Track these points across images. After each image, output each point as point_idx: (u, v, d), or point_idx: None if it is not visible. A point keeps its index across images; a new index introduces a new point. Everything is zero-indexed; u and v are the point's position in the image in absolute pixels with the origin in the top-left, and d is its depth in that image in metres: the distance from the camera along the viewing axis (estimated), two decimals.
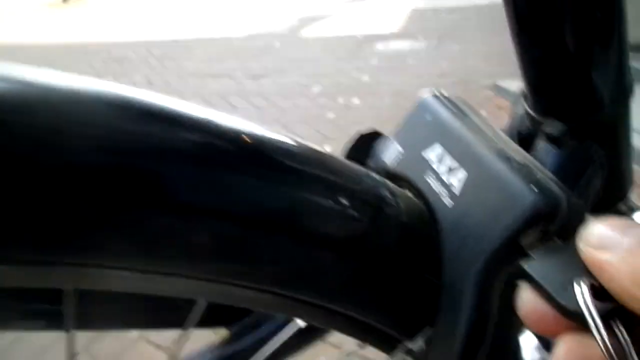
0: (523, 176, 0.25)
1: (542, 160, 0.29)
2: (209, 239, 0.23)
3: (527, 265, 0.23)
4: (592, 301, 0.19)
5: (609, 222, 0.20)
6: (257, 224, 0.24)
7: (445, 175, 0.28)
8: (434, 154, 0.30)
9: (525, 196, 0.24)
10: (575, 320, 0.20)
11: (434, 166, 0.29)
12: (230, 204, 0.23)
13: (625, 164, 0.31)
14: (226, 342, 0.47)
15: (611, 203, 0.31)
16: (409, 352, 0.30)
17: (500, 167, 0.26)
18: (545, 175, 0.26)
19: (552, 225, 0.24)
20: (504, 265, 0.25)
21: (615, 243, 0.19)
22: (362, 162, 0.35)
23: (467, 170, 0.27)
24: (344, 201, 0.27)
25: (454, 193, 0.28)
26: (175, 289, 0.26)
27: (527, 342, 0.71)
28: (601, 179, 0.29)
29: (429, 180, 0.29)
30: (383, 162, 0.34)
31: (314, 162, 0.27)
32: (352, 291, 0.28)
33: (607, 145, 0.29)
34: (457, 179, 0.28)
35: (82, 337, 1.37)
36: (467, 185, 0.27)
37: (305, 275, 0.26)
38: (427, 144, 0.31)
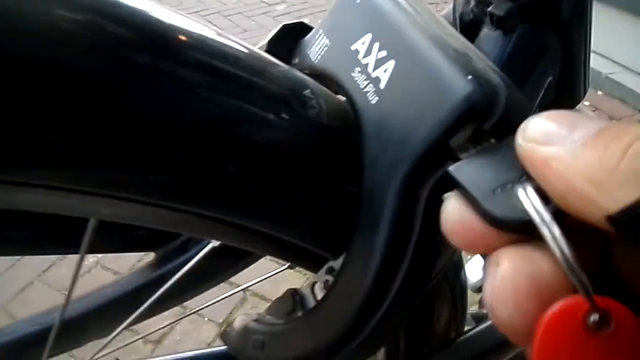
0: (458, 65, 0.20)
1: (486, 50, 0.24)
2: (89, 142, 0.18)
3: (455, 169, 0.19)
4: (541, 204, 0.16)
5: (553, 114, 0.16)
6: (149, 126, 0.19)
7: (372, 68, 0.24)
8: (363, 45, 0.25)
9: (458, 88, 0.20)
10: (511, 231, 0.17)
11: (361, 59, 0.25)
12: (117, 104, 0.18)
13: (581, 63, 0.27)
14: (151, 266, 0.43)
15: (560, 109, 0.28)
16: (331, 270, 0.27)
17: (433, 54, 0.21)
18: (486, 65, 0.21)
19: (487, 123, 0.20)
20: (430, 172, 0.21)
21: (564, 136, 0.15)
22: (285, 59, 0.30)
23: (396, 60, 0.23)
24: (256, 101, 0.22)
25: (379, 87, 0.23)
26: (66, 207, 0.21)
27: (476, 262, 0.71)
28: (554, 77, 0.25)
29: (354, 76, 0.25)
30: (308, 57, 0.29)
31: (220, 54, 0.22)
32: (265, 205, 0.24)
33: (564, 35, 0.24)
34: (384, 71, 0.23)
35: (37, 265, 1.33)
36: (394, 77, 0.23)
37: (207, 187, 0.22)
38: (357, 34, 0.26)
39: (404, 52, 0.22)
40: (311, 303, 0.28)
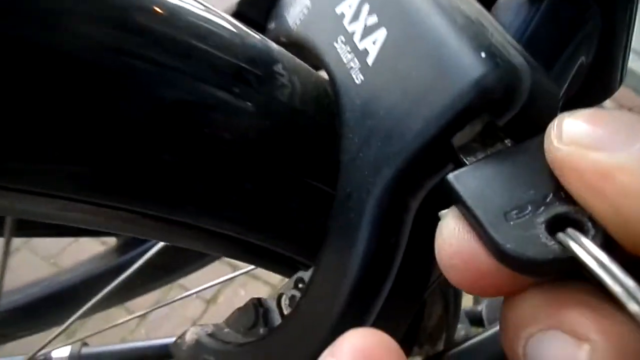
0: (469, 37, 0.15)
1: (505, 20, 0.19)
2: None
3: (455, 178, 0.14)
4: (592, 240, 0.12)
5: (597, 113, 0.12)
6: (55, 106, 0.15)
7: (359, 37, 0.19)
8: (349, 8, 0.20)
9: (467, 68, 0.15)
10: (533, 275, 0.13)
11: (347, 25, 0.19)
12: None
13: (622, 47, 0.22)
14: (114, 252, 0.39)
15: (590, 100, 0.23)
16: (299, 283, 0.22)
17: (435, 21, 0.16)
18: (505, 39, 0.16)
19: (503, 117, 0.15)
20: (424, 177, 0.16)
21: (623, 142, 0.11)
22: (259, 24, 0.25)
23: (388, 29, 0.18)
24: (204, 76, 0.17)
25: (366, 63, 0.18)
26: None
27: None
28: (586, 59, 0.20)
29: (337, 47, 0.20)
30: (286, 22, 0.23)
31: (154, 11, 0.17)
32: (218, 201, 0.19)
33: (607, 8, 0.19)
34: (372, 43, 0.18)
35: None
36: (384, 50, 0.17)
37: (133, 179, 0.17)
38: None
39: (399, 18, 0.17)
40: (276, 319, 0.23)
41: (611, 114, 0.12)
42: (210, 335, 0.24)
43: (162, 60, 0.16)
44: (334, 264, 0.18)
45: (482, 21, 0.16)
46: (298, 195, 0.20)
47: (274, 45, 0.20)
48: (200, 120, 0.17)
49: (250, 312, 0.24)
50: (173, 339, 0.49)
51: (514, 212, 0.13)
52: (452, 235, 0.13)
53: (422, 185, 0.16)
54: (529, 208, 0.13)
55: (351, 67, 0.19)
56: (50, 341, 0.40)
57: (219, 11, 0.20)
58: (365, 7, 0.19)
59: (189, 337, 0.24)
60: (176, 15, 0.17)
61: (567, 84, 0.21)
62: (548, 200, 0.13)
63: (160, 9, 0.16)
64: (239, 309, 0.25)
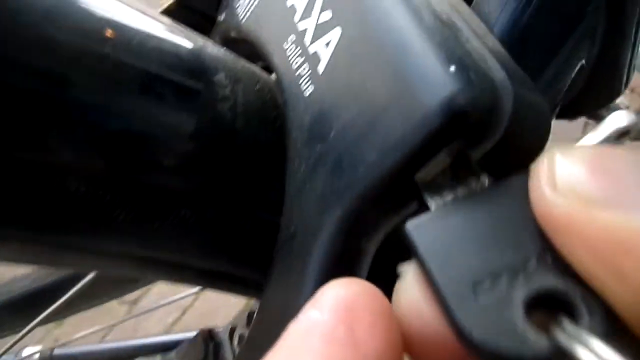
0: (436, 44, 0.12)
1: (490, 10, 0.15)
2: None
3: (414, 229, 0.11)
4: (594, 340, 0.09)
5: (606, 153, 0.09)
6: None
7: (310, 38, 0.15)
8: (301, 0, 0.16)
9: (433, 85, 0.11)
10: None
11: (298, 22, 0.16)
12: None
13: (629, 46, 0.18)
14: None
15: (593, 104, 0.19)
16: (251, 316, 0.20)
17: (397, 21, 0.13)
18: (483, 43, 0.13)
19: (478, 148, 0.12)
20: (379, 218, 0.13)
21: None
22: (209, 14, 0.21)
23: (343, 28, 0.14)
24: (126, 89, 0.14)
25: (316, 71, 0.15)
26: None
27: None
28: (588, 60, 0.17)
29: (287, 48, 0.16)
30: (236, 14, 0.20)
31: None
32: (154, 231, 0.16)
33: (614, 7, 0.15)
34: (325, 45, 0.15)
35: None
36: (337, 55, 0.14)
37: (62, 215, 0.14)
38: None
39: (356, 15, 0.14)
40: (227, 356, 0.21)
41: (621, 154, 0.09)
42: None
43: (84, 79, 0.13)
44: (276, 311, 0.15)
45: (455, 20, 0.13)
46: (243, 225, 0.17)
47: (214, 51, 0.17)
48: (119, 139, 0.14)
49: (200, 346, 0.21)
50: (147, 339, 0.47)
51: (486, 282, 0.10)
52: (410, 303, 0.11)
53: (379, 226, 0.13)
54: (505, 277, 0.10)
55: (300, 75, 0.15)
56: (10, 346, 0.38)
57: (148, 11, 0.16)
58: (319, 3, 0.15)
59: None
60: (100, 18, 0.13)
61: (565, 88, 0.18)
62: (529, 266, 0.10)
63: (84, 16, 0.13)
64: (188, 341, 0.22)
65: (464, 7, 0.15)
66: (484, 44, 0.13)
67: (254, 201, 0.16)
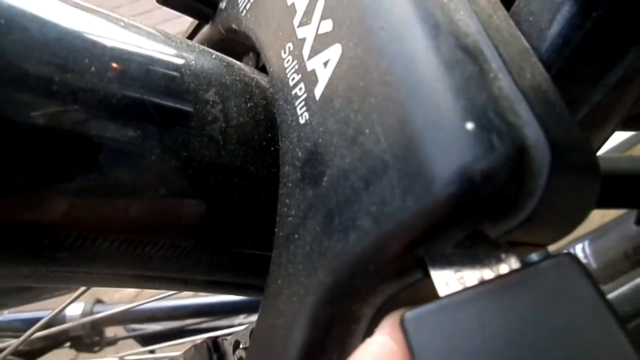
0: (454, 86, 0.09)
1: (537, 10, 0.12)
2: None
3: (414, 322, 0.09)
4: None
5: None
6: None
7: (308, 52, 0.13)
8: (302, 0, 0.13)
9: (444, 144, 0.09)
10: None
11: (297, 27, 0.13)
12: None
13: None
14: None
15: None
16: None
17: (408, 48, 0.10)
18: (521, 75, 0.10)
19: (500, 226, 0.09)
20: (376, 286, 0.11)
21: None
22: (208, 2, 0.19)
23: (344, 46, 0.11)
24: (97, 112, 0.12)
25: (312, 96, 0.12)
26: None
27: None
28: None
29: (285, 58, 0.14)
30: (237, 5, 0.17)
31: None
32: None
33: None
34: (323, 64, 0.12)
35: None
36: (335, 79, 0.11)
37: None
38: None
39: (358, 33, 0.11)
40: None
41: None
42: None
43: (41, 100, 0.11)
44: (268, 343, 0.14)
45: (483, 46, 0.10)
46: (236, 254, 0.15)
47: (206, 63, 0.14)
48: (110, 174, 0.12)
49: (204, 355, 0.21)
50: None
51: None
52: None
53: (375, 293, 0.11)
54: None
55: (297, 96, 0.13)
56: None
57: (137, 25, 0.14)
58: (320, 3, 0.13)
59: None
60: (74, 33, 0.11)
61: (628, 102, 0.14)
62: None
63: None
64: (195, 345, 0.22)
65: (501, 15, 0.11)
66: (518, 80, 0.10)
67: (243, 236, 0.14)
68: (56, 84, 0.11)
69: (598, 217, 0.52)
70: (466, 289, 0.09)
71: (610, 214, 0.49)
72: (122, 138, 0.11)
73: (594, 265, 0.47)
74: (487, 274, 0.09)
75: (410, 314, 0.09)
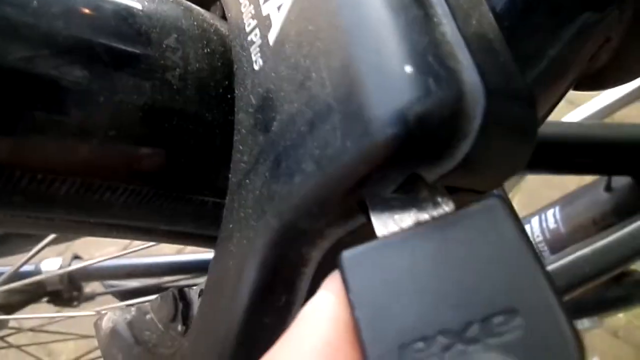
0: (400, 27, 0.09)
1: None
2: None
3: (351, 261, 0.10)
4: None
5: None
6: None
7: None
8: None
9: (386, 85, 0.09)
10: None
11: None
12: None
13: None
14: None
15: (619, 79, 0.16)
16: None
17: None
18: (466, 22, 0.10)
19: (433, 170, 0.09)
20: (323, 229, 0.11)
21: None
22: None
23: None
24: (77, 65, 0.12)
25: (266, 41, 0.12)
26: None
27: None
28: (620, 33, 0.13)
29: (242, 2, 0.13)
30: None
31: None
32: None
33: None
34: (277, 8, 0.12)
35: None
36: (288, 23, 0.11)
37: None
38: None
39: None
40: (194, 316, 0.20)
41: None
42: (129, 324, 0.22)
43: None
44: (212, 312, 0.14)
45: None
46: (195, 201, 0.16)
47: (167, 8, 0.14)
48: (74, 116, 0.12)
49: (170, 304, 0.21)
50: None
51: (416, 345, 0.08)
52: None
53: (322, 235, 0.11)
54: (437, 344, 0.08)
55: (252, 42, 0.13)
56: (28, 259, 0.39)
57: None
58: None
59: (105, 324, 0.22)
60: None
61: (583, 62, 0.14)
62: (469, 332, 0.08)
63: None
64: (161, 295, 0.22)
65: None
66: (463, 26, 0.10)
67: (200, 183, 0.14)
68: None
69: (574, 184, 0.53)
70: (402, 231, 0.09)
71: (587, 180, 0.50)
72: (67, 77, 0.11)
73: (562, 229, 0.49)
74: (424, 217, 0.10)
75: (347, 252, 0.09)
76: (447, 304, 0.08)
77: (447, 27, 0.09)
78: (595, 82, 0.17)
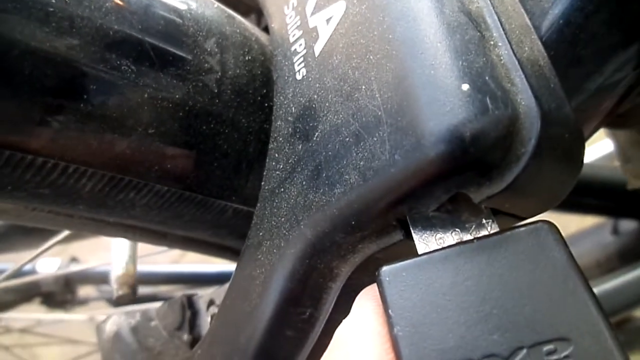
0: (453, 49, 0.09)
1: (536, 3, 0.12)
2: None
3: (391, 276, 0.09)
4: None
5: None
6: None
7: (312, 8, 0.13)
8: None
9: (438, 103, 0.09)
10: None
11: None
12: None
13: None
14: None
15: None
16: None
17: (413, 6, 0.10)
18: (519, 46, 0.10)
19: (484, 189, 0.09)
20: (357, 244, 0.11)
21: None
22: None
23: (347, 3, 0.11)
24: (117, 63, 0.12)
25: (312, 52, 0.12)
26: None
27: None
28: None
29: (287, 14, 0.14)
30: None
31: None
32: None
33: None
34: (325, 21, 0.12)
35: None
36: (337, 36, 0.12)
37: None
38: None
39: None
40: (203, 326, 0.20)
41: None
42: (134, 329, 0.21)
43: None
44: (234, 317, 0.14)
45: (486, 13, 0.10)
46: (222, 208, 0.15)
47: (208, 11, 0.14)
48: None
49: (177, 311, 0.21)
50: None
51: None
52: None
53: (354, 250, 0.11)
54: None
55: (296, 53, 0.13)
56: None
57: None
58: None
59: (109, 327, 0.21)
60: None
61: (615, 99, 0.15)
62: (517, 358, 0.08)
63: None
64: (169, 302, 0.22)
65: None
66: (517, 50, 0.10)
67: (229, 188, 0.14)
68: (53, 5, 0.10)
69: (575, 225, 0.53)
70: (444, 248, 0.09)
71: (588, 221, 0.50)
72: (114, 72, 0.11)
73: None
74: (467, 237, 0.10)
75: (387, 267, 0.09)
76: (493, 327, 0.08)
77: (503, 50, 0.10)
78: (628, 120, 0.17)
